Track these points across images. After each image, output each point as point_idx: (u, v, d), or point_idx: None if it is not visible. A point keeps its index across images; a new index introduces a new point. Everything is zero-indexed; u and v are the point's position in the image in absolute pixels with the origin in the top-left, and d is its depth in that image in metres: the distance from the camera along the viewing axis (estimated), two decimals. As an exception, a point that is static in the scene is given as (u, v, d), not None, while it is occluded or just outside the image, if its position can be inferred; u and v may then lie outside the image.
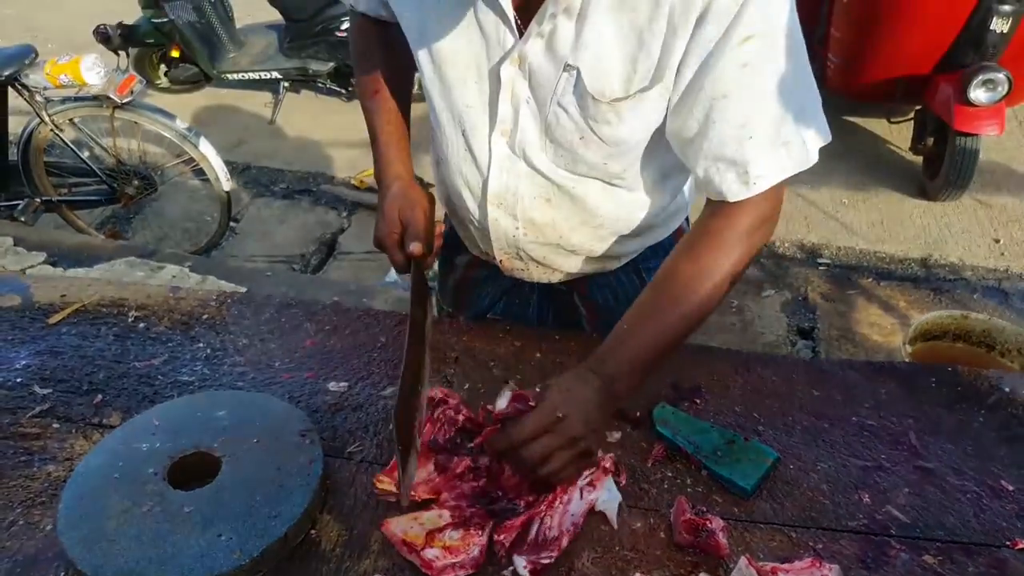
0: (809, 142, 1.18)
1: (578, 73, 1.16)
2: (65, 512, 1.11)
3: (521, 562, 1.09)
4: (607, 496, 1.18)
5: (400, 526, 1.11)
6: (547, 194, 1.36)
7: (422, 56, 1.31)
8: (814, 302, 4.12)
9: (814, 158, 1.19)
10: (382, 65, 1.50)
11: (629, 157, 1.29)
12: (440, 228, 1.48)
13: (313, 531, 1.15)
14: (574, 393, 1.15)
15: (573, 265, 1.52)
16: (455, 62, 1.27)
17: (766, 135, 1.15)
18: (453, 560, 1.06)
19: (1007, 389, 1.40)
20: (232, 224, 4.58)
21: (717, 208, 1.24)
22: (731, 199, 1.20)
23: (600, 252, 1.49)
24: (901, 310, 4.05)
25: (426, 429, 1.27)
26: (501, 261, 1.54)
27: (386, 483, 1.17)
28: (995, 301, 4.12)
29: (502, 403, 1.15)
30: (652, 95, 1.17)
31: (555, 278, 1.57)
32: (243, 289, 1.69)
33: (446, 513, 1.13)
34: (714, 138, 1.16)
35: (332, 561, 1.11)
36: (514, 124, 1.27)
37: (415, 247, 1.34)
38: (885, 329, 3.94)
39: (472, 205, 1.44)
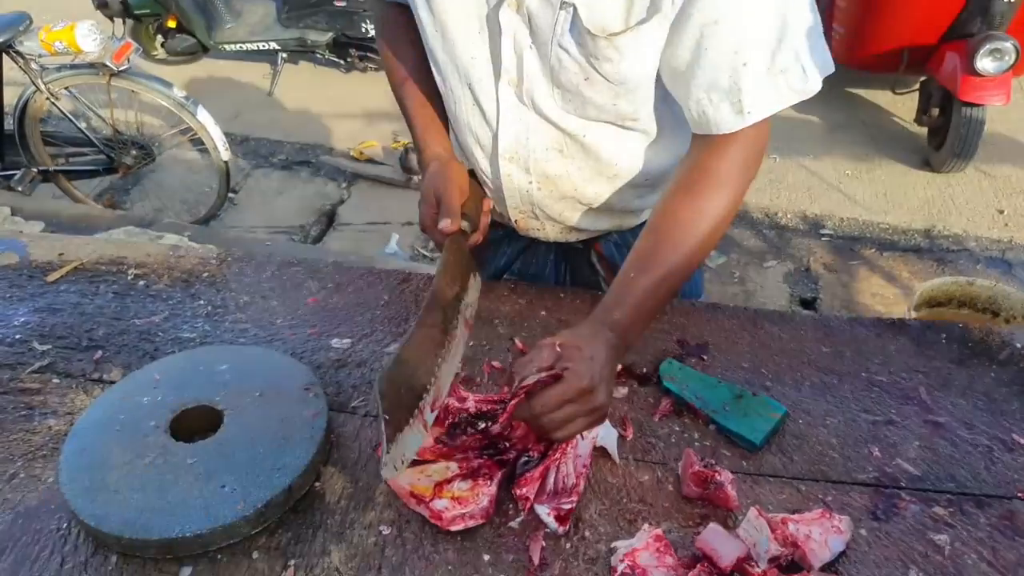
0: (809, 70, 1.13)
1: (574, 10, 1.13)
2: (66, 464, 1.10)
3: (545, 510, 1.08)
4: (604, 432, 1.18)
5: (407, 478, 1.09)
6: (559, 144, 1.33)
7: (423, 14, 1.28)
8: (816, 273, 4.10)
9: (815, 87, 1.15)
10: (410, 51, 1.45)
11: (638, 96, 1.26)
12: (488, 204, 1.43)
13: (318, 484, 1.14)
14: (596, 359, 1.08)
15: (589, 222, 1.49)
16: (454, 13, 1.24)
17: (761, 62, 1.11)
18: (463, 510, 1.05)
19: (1019, 344, 1.38)
20: (231, 195, 4.55)
21: (709, 143, 1.21)
22: (724, 131, 1.17)
23: (617, 206, 1.45)
24: (904, 281, 4.04)
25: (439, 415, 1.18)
26: (516, 221, 1.51)
27: None
28: (998, 271, 4.10)
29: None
30: (651, 27, 1.14)
31: (572, 237, 1.55)
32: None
33: (453, 464, 1.12)
34: (706, 67, 1.13)
35: (337, 513, 1.10)
36: (519, 72, 1.24)
37: (444, 224, 1.27)
38: (888, 299, 3.92)
39: (484, 163, 1.42)
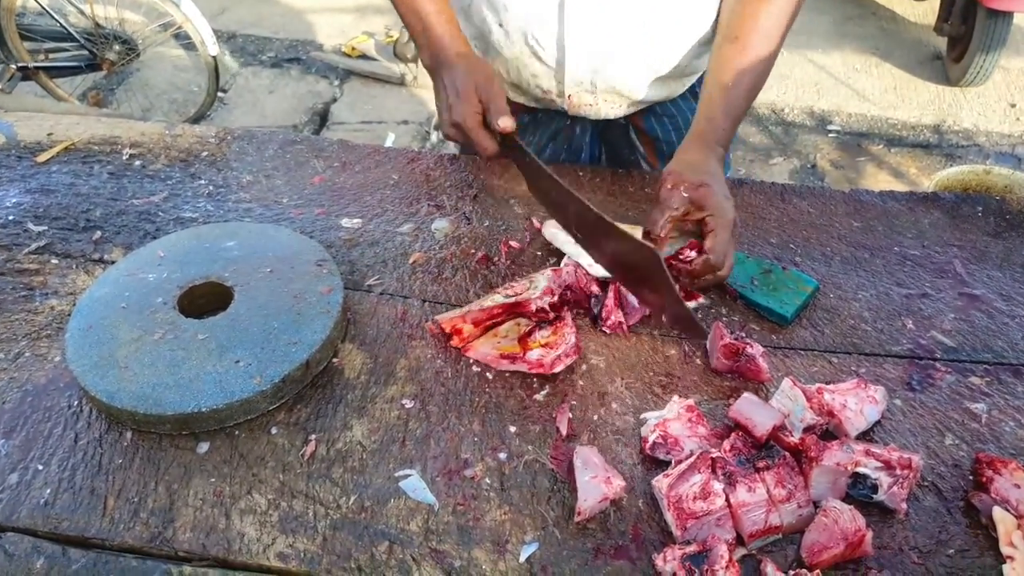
0: None
1: None
2: (73, 341, 1.05)
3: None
4: None
5: (485, 347, 1.10)
6: None
7: None
8: (823, 169, 4.02)
9: None
10: None
11: None
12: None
13: (336, 360, 1.10)
14: (721, 184, 1.16)
15: (642, 88, 1.43)
16: None
17: None
18: (556, 352, 1.06)
19: (1057, 216, 1.33)
20: (220, 94, 4.39)
21: None
22: None
23: (675, 62, 1.41)
24: (911, 177, 3.97)
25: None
26: (569, 97, 1.44)
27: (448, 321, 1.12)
28: (1009, 166, 4.02)
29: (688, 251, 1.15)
30: None
31: (621, 111, 1.49)
32: (243, 129, 1.58)
33: (522, 320, 1.11)
34: None
35: (358, 388, 1.06)
36: None
37: (506, 122, 1.22)
38: (895, 195, 3.86)
39: (544, 34, 1.34)
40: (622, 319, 1.15)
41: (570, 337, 1.08)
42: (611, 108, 1.48)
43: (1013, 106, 4.38)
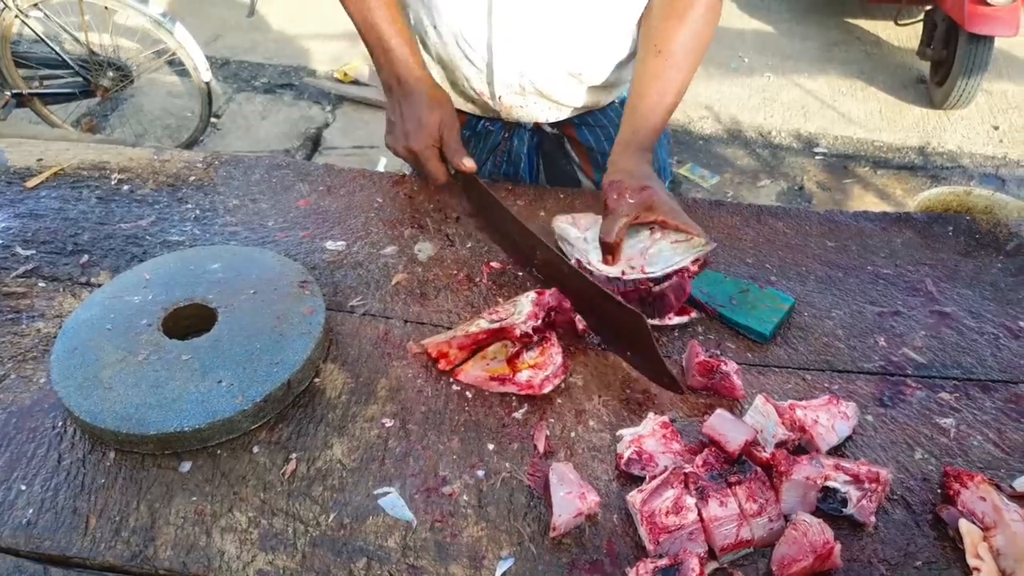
0: None
1: None
2: (58, 362, 1.07)
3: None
4: None
5: (475, 369, 1.11)
6: None
7: None
8: (810, 191, 4.07)
9: None
10: None
11: None
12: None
13: (317, 380, 1.12)
14: (656, 182, 1.26)
15: (566, 93, 1.50)
16: None
17: None
18: (545, 373, 1.08)
19: (1026, 235, 1.36)
20: (213, 119, 4.43)
21: None
22: None
23: (595, 72, 1.48)
24: (897, 198, 4.02)
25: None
26: (501, 98, 1.49)
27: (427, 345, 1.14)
28: (992, 187, 4.07)
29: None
30: None
31: (551, 116, 1.55)
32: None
33: (508, 341, 1.12)
34: None
35: (339, 408, 1.08)
36: None
37: (469, 163, 1.35)
38: (881, 216, 3.90)
39: (475, 36, 1.40)
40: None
41: (557, 358, 1.10)
42: (540, 111, 1.54)
43: (996, 128, 4.44)
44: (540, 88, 1.46)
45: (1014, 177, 4.12)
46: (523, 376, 1.09)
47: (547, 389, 1.09)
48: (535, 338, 1.13)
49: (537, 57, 1.41)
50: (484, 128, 1.60)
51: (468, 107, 1.59)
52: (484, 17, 1.35)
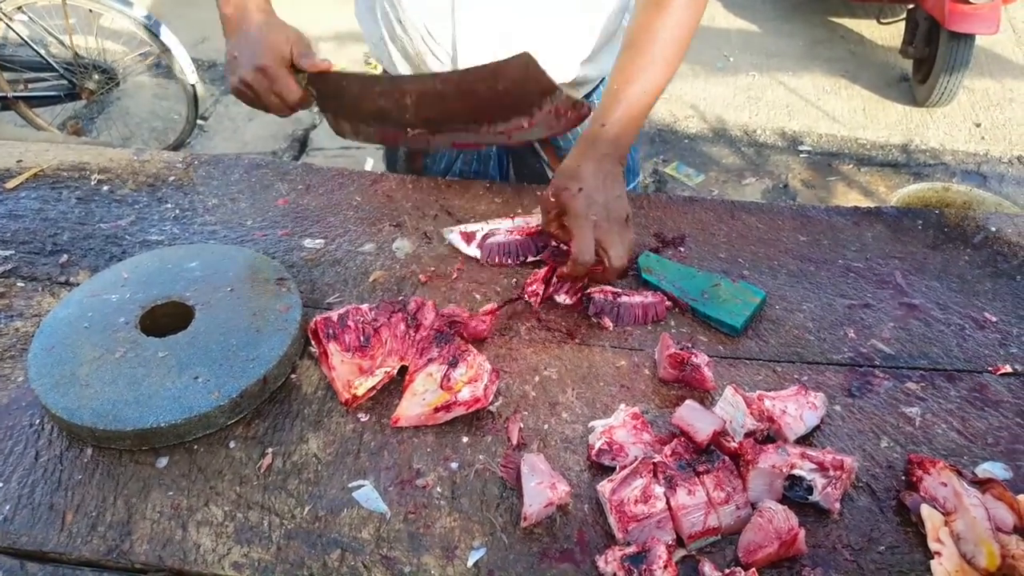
0: None
1: None
2: (35, 360, 1.08)
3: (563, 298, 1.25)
4: None
5: (411, 408, 1.06)
6: None
7: None
8: (795, 189, 4.10)
9: None
10: None
11: None
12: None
13: (294, 376, 1.13)
14: (599, 186, 1.20)
15: None
16: None
17: None
18: (484, 383, 1.06)
19: (993, 228, 1.38)
20: (200, 122, 4.43)
21: None
22: None
23: (561, 70, 1.47)
24: (881, 195, 4.04)
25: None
26: None
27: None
28: (974, 184, 4.11)
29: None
30: None
31: None
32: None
33: (432, 368, 1.09)
34: None
35: (314, 403, 1.09)
36: None
37: (324, 62, 1.25)
38: (865, 213, 3.93)
39: (438, 27, 1.40)
40: (540, 291, 1.23)
41: (485, 364, 1.09)
42: None
43: (978, 125, 4.48)
44: None
45: (995, 174, 4.16)
46: (464, 394, 1.05)
47: (491, 396, 1.08)
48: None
49: (501, 53, 1.42)
50: None
51: None
52: (448, 13, 1.36)
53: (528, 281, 1.25)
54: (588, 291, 1.25)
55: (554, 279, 1.26)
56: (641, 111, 1.27)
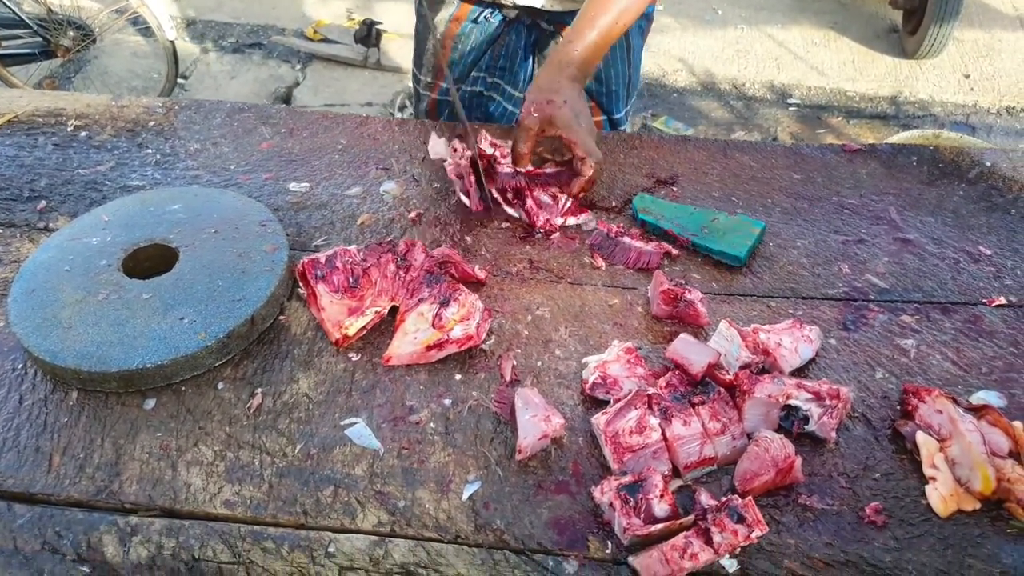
0: None
1: None
2: (15, 304, 1.05)
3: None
4: None
5: (403, 347, 1.04)
6: None
7: None
8: (784, 142, 4.07)
9: None
10: None
11: None
12: None
13: (282, 317, 1.11)
14: (575, 99, 1.26)
15: None
16: None
17: None
18: (475, 321, 1.05)
19: (988, 163, 1.37)
20: (181, 81, 4.34)
21: None
22: None
23: None
24: (870, 147, 4.03)
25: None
26: None
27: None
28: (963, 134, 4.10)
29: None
30: None
31: (546, 2, 1.55)
32: (191, 100, 1.58)
33: (423, 308, 1.07)
34: None
35: (304, 343, 1.07)
36: None
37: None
38: (854, 166, 3.92)
39: None
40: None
41: (477, 303, 1.07)
42: None
43: (967, 77, 4.46)
44: None
45: (983, 125, 4.15)
46: (457, 332, 1.04)
47: (483, 335, 1.07)
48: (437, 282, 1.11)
49: None
50: (484, 19, 1.61)
51: None
52: None
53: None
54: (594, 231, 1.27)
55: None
56: (608, 41, 1.33)
